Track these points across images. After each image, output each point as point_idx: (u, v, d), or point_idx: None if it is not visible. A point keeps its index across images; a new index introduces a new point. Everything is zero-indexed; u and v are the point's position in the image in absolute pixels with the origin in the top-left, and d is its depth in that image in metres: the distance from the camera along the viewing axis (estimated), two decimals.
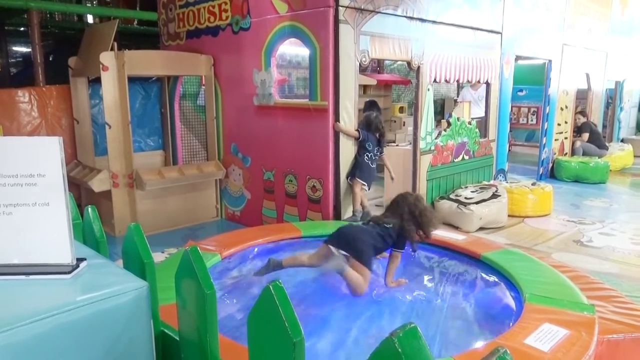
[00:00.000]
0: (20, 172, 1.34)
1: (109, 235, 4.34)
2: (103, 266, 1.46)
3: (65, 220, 1.36)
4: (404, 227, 2.89)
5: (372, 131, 4.29)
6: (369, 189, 4.37)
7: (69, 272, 1.35)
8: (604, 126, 9.52)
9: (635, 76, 10.02)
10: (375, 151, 4.29)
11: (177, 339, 1.64)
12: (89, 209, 1.86)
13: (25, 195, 1.35)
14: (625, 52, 9.28)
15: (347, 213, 4.27)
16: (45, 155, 1.33)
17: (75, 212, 1.94)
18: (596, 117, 8.79)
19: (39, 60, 6.48)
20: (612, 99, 9.69)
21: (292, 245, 3.65)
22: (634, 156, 8.70)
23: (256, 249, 3.53)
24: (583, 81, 8.15)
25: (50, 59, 8.10)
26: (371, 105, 6.95)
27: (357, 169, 4.22)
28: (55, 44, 8.80)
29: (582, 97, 8.39)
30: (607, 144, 8.32)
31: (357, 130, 4.20)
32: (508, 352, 1.00)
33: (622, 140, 9.75)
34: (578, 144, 7.97)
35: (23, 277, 1.34)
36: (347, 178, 4.23)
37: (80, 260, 1.42)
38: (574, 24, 7.33)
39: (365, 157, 4.23)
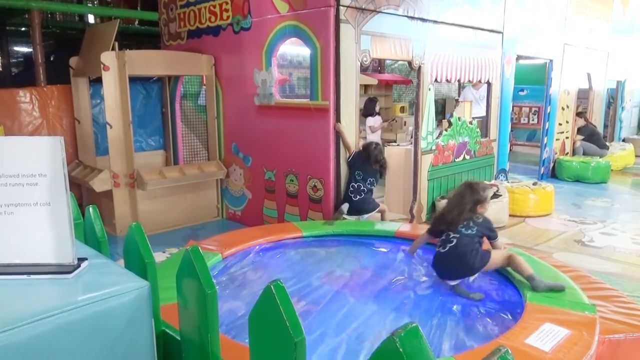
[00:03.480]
0: (22, 172, 1.34)
1: (110, 235, 4.36)
2: (104, 266, 1.46)
3: (66, 220, 1.36)
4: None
5: (369, 162, 4.11)
6: (346, 213, 4.11)
7: (71, 272, 1.35)
8: (606, 126, 9.52)
9: (637, 76, 10.00)
10: (367, 184, 4.10)
11: (179, 338, 1.64)
12: (90, 209, 1.87)
13: (27, 195, 1.35)
14: (627, 51, 9.26)
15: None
16: (46, 155, 1.33)
17: (76, 212, 1.94)
18: (597, 116, 8.78)
19: (40, 60, 6.49)
20: (614, 99, 9.68)
21: (294, 245, 3.66)
22: (635, 156, 8.69)
23: (257, 249, 3.54)
24: (584, 81, 8.14)
25: (52, 59, 8.11)
26: (371, 102, 6.95)
27: (344, 197, 4.14)
28: (56, 44, 8.80)
29: (583, 96, 8.38)
30: (608, 144, 8.31)
31: (355, 151, 4.14)
32: (509, 351, 1.00)
33: (623, 140, 9.75)
34: (578, 143, 7.97)
35: (24, 276, 1.34)
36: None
37: (81, 260, 1.42)
38: (575, 23, 7.32)
39: (350, 187, 4.11)
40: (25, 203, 1.36)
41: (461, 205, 2.92)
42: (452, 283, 2.91)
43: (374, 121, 6.79)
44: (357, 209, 4.13)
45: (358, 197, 4.11)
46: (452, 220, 2.92)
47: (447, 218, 2.96)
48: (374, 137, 6.56)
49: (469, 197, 2.93)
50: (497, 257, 2.90)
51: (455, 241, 2.88)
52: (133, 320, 1.31)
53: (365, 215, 4.18)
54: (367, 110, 6.83)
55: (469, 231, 2.89)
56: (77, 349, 1.21)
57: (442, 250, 2.93)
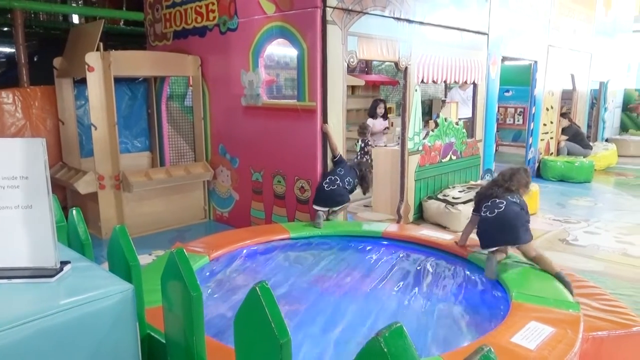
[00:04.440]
0: (3, 174, 1.32)
1: (95, 238, 4.31)
2: (88, 269, 1.44)
3: (48, 223, 1.35)
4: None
5: (355, 170, 4.21)
6: (327, 212, 4.07)
7: (53, 276, 1.33)
8: (589, 126, 9.65)
9: (619, 77, 10.17)
10: (345, 182, 4.05)
11: (164, 341, 1.63)
12: (74, 211, 1.84)
13: (8, 197, 1.33)
14: (609, 53, 9.41)
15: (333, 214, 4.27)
16: (28, 157, 1.31)
17: (60, 215, 1.92)
18: (581, 117, 8.91)
19: (23, 61, 6.40)
20: (597, 100, 9.83)
21: (281, 246, 3.65)
22: (618, 155, 8.83)
23: (244, 251, 3.52)
24: (568, 82, 8.26)
25: (35, 59, 7.98)
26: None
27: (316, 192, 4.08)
28: (40, 44, 8.67)
29: (567, 97, 8.50)
30: (591, 144, 8.44)
31: (340, 155, 4.14)
32: (492, 350, 1.01)
33: (606, 140, 9.90)
34: (562, 144, 8.08)
35: (6, 281, 1.32)
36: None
37: (64, 263, 1.40)
38: (559, 25, 7.42)
39: (327, 179, 4.03)
40: (6, 206, 1.34)
41: (516, 178, 3.13)
42: (493, 249, 3.02)
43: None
44: (327, 199, 4.02)
45: (331, 187, 4.01)
46: (509, 187, 3.08)
47: (503, 184, 3.10)
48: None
49: (523, 175, 3.17)
50: (533, 247, 3.04)
51: (503, 207, 3.00)
52: (117, 323, 1.29)
53: (335, 208, 4.11)
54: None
55: (515, 199, 3.04)
56: (60, 353, 1.20)
57: (490, 215, 3.02)
